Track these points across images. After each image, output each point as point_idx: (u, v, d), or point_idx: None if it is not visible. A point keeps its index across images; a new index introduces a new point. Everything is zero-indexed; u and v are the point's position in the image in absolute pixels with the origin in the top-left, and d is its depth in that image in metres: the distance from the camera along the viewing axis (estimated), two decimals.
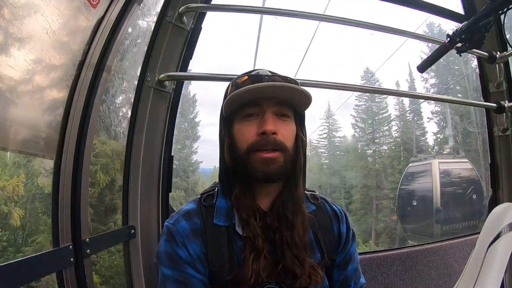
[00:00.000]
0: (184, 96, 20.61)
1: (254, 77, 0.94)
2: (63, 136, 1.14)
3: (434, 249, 2.01)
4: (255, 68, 1.03)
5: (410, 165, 13.50)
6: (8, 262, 0.87)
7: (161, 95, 1.69)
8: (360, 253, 1.94)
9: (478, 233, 2.30)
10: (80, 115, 1.19)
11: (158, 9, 1.68)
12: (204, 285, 0.89)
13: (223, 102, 0.94)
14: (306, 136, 1.01)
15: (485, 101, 2.26)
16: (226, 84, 1.02)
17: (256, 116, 0.91)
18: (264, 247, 0.87)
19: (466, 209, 11.96)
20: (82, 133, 1.19)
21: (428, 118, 23.85)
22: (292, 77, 0.98)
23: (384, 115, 25.69)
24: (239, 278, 0.85)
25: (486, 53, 2.10)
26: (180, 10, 1.65)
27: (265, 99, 0.90)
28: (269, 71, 0.99)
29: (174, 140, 1.80)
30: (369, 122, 26.04)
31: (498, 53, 2.13)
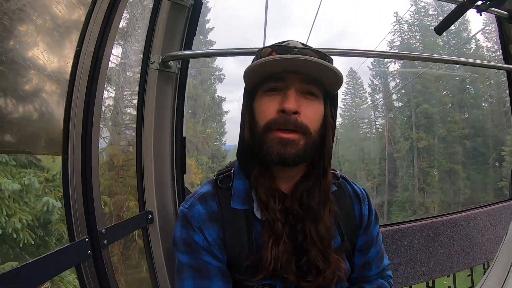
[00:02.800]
0: (213, 98, 25.46)
1: (281, 48, 0.83)
2: (67, 129, 1.09)
3: (457, 219, 1.96)
4: (286, 40, 0.91)
5: None
6: (26, 262, 0.85)
7: (167, 76, 1.63)
8: (381, 226, 1.91)
9: (502, 202, 2.24)
10: (82, 106, 1.13)
11: None
12: (222, 272, 0.85)
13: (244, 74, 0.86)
14: (335, 119, 0.90)
15: (505, 63, 2.13)
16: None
17: (279, 91, 0.82)
18: (284, 232, 0.82)
19: None
20: (87, 123, 1.14)
21: None
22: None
23: None
24: (258, 263, 0.81)
25: (505, 12, 1.94)
26: None
27: (290, 74, 0.80)
28: (301, 43, 0.88)
29: (185, 122, 1.75)
30: None
31: None
